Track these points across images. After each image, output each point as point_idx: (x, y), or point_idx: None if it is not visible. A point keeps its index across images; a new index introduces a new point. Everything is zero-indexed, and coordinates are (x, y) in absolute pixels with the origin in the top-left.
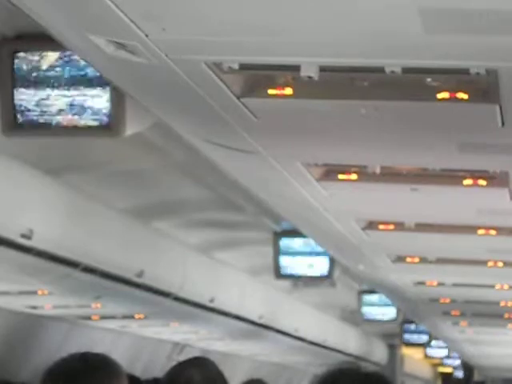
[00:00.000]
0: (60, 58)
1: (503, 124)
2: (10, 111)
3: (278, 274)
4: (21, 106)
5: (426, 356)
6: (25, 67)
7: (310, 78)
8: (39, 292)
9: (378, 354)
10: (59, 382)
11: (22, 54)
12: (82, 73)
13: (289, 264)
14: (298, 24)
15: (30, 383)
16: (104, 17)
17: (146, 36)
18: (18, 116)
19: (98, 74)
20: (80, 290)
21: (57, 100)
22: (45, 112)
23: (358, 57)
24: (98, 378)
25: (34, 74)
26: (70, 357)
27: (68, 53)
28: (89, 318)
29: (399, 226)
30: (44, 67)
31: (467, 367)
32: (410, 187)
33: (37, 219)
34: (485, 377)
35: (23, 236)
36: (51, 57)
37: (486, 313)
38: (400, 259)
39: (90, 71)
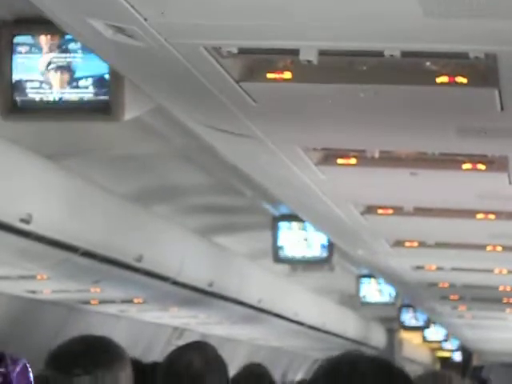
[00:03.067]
0: (60, 42)
1: (502, 108)
2: (9, 95)
3: (277, 258)
4: (20, 89)
5: (425, 340)
6: (24, 51)
7: (309, 62)
8: (38, 277)
9: (377, 338)
10: (62, 365)
11: (20, 38)
12: (82, 57)
13: (287, 248)
14: (297, 8)
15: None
16: (103, 0)
17: (145, 20)
18: (17, 100)
19: (97, 58)
20: (79, 274)
21: (56, 84)
22: (44, 96)
23: (357, 41)
24: (100, 360)
25: (33, 58)
26: (72, 340)
27: (67, 37)
28: (88, 302)
29: (398, 211)
30: (43, 51)
31: (466, 351)
32: (409, 171)
33: (36, 204)
34: (483, 361)
35: (22, 220)
36: (50, 40)
37: (485, 297)
38: (399, 243)
39: (90, 56)
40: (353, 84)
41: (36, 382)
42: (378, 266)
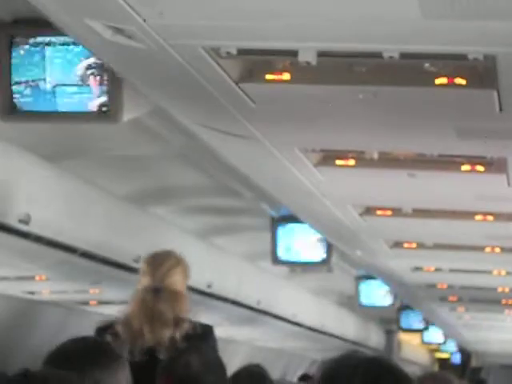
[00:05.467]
0: (58, 44)
1: (501, 109)
2: (8, 96)
3: (276, 259)
4: (19, 91)
5: (423, 342)
6: (22, 52)
7: (307, 63)
8: (37, 277)
9: (376, 339)
10: (61, 366)
11: (19, 39)
12: (80, 58)
13: (286, 250)
14: (296, 9)
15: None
16: (102, 1)
17: (144, 21)
18: (16, 101)
19: (95, 59)
20: (78, 275)
21: (54, 85)
22: (43, 97)
23: (356, 42)
24: (99, 361)
25: (32, 59)
26: (71, 341)
27: (66, 39)
28: (86, 303)
29: (397, 212)
30: (42, 52)
31: (464, 353)
32: (408, 173)
33: (35, 204)
34: (482, 363)
35: (21, 221)
36: (49, 42)
37: (484, 299)
38: (397, 245)
39: (88, 57)
40: (352, 85)
41: None
42: (376, 267)
